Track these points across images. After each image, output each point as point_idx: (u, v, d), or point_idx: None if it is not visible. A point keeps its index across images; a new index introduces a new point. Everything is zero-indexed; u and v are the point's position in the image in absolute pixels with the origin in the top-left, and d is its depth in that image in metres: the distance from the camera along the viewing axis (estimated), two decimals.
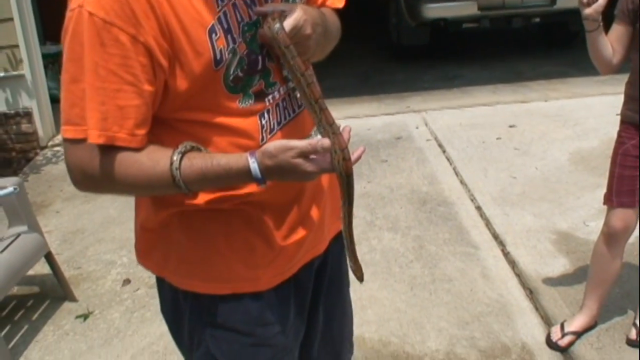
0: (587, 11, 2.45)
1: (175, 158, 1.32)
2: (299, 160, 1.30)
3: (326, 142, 1.32)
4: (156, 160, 1.33)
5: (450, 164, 4.92)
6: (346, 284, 1.84)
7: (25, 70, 5.69)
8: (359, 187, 4.45)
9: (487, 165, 4.84)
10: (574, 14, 7.46)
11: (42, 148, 5.84)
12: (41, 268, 3.64)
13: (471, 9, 7.15)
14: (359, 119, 5.90)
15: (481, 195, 4.36)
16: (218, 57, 1.34)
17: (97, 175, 1.33)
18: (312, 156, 1.32)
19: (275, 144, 1.31)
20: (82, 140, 1.31)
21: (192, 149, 1.36)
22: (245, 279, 1.52)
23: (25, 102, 5.78)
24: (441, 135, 5.52)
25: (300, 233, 1.56)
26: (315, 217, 1.59)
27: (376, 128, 5.77)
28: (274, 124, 1.45)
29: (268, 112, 1.44)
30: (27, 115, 5.77)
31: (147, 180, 1.34)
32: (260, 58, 1.42)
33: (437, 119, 5.92)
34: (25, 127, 5.79)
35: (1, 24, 5.56)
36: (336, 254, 1.73)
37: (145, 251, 1.60)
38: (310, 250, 1.62)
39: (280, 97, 1.47)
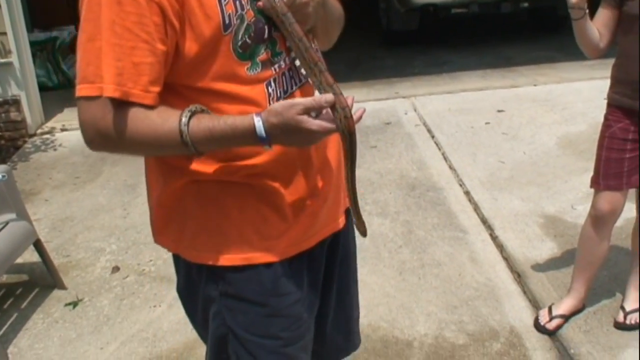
0: (573, 0, 2.44)
1: (184, 116, 1.36)
2: (304, 117, 1.32)
3: (330, 96, 1.35)
4: (166, 117, 1.36)
5: (439, 149, 4.92)
6: (355, 265, 1.87)
7: (13, 58, 5.64)
8: None
9: (476, 150, 4.83)
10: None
11: (31, 136, 5.81)
12: (30, 256, 3.62)
13: None
14: None
15: (470, 180, 4.36)
16: (227, 21, 1.39)
17: (109, 131, 1.36)
18: (316, 119, 1.35)
19: (281, 102, 1.35)
20: (96, 98, 1.34)
21: (202, 111, 1.39)
22: (258, 250, 1.55)
23: (14, 90, 5.74)
24: (430, 120, 5.51)
25: (312, 205, 1.59)
26: (325, 191, 1.62)
27: (365, 114, 5.70)
28: (280, 92, 1.49)
29: (274, 80, 1.48)
30: (16, 103, 5.74)
31: (156, 137, 1.36)
32: (266, 27, 1.46)
33: (426, 105, 5.91)
34: (13, 115, 5.75)
35: None
36: (347, 233, 1.76)
37: (161, 227, 1.62)
38: (327, 225, 1.65)
39: (286, 66, 1.51)
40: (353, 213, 1.59)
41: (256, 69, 1.45)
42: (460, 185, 4.31)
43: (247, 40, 1.42)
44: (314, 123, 1.33)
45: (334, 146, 1.65)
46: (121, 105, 1.34)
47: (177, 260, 1.65)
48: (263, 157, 1.47)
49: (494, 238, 3.66)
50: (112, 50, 1.32)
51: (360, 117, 1.41)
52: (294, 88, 1.52)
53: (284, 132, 1.34)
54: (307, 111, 1.33)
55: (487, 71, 6.79)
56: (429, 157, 4.79)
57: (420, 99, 6.07)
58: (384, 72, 7.04)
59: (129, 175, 4.79)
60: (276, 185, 1.53)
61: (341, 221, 1.70)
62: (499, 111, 5.61)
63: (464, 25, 8.74)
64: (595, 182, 2.76)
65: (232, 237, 1.54)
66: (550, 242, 3.60)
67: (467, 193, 4.19)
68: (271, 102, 1.47)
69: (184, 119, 1.35)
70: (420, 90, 6.34)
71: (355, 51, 7.88)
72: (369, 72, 7.06)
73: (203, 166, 1.47)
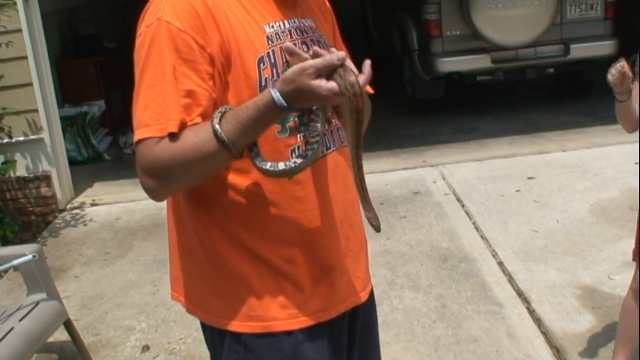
0: (619, 89, 2.43)
1: (215, 117, 1.42)
2: (315, 82, 1.36)
3: (341, 54, 1.38)
4: (198, 128, 1.44)
5: (470, 219, 4.87)
6: (377, 332, 1.89)
7: (44, 134, 5.73)
8: (377, 244, 4.45)
9: (507, 219, 4.78)
10: (588, 64, 7.57)
11: (61, 211, 5.84)
12: (60, 335, 3.59)
13: (485, 62, 7.20)
14: (376, 175, 5.87)
15: (503, 250, 4.30)
16: (263, 83, 1.49)
17: (166, 163, 1.43)
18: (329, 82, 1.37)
19: (292, 68, 1.39)
20: (155, 138, 1.43)
21: (232, 109, 1.45)
22: (278, 318, 1.59)
23: (45, 165, 5.81)
24: (459, 189, 5.48)
25: (330, 277, 1.63)
26: (345, 263, 1.66)
27: (393, 183, 5.74)
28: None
29: (298, 148, 1.55)
30: (46, 178, 5.80)
31: (196, 148, 1.42)
32: None
33: (455, 173, 5.90)
34: (44, 190, 5.80)
35: (21, 89, 5.61)
36: (368, 304, 1.78)
37: (176, 284, 1.71)
38: (348, 299, 1.68)
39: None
40: (363, 206, 1.56)
41: (285, 134, 1.54)
42: (494, 256, 4.25)
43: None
44: (325, 88, 1.36)
45: (356, 223, 1.71)
46: (172, 136, 1.43)
47: (204, 326, 1.70)
48: (276, 225, 1.55)
49: (531, 312, 3.58)
50: (176, 91, 1.43)
51: (367, 79, 1.42)
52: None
53: (301, 97, 1.38)
54: (319, 73, 1.36)
55: (515, 137, 6.77)
56: (459, 227, 4.75)
57: (448, 167, 6.06)
58: (411, 140, 7.06)
59: (158, 249, 4.78)
60: (291, 255, 1.58)
61: (363, 295, 1.73)
62: (529, 178, 5.57)
63: (489, 91, 8.77)
64: (637, 255, 2.70)
65: (252, 304, 1.58)
66: (588, 314, 3.51)
67: (500, 264, 4.13)
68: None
69: (215, 119, 1.41)
70: (448, 158, 6.34)
71: (381, 119, 7.90)
72: (395, 140, 7.08)
73: (219, 225, 1.56)
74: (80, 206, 5.90)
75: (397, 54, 8.61)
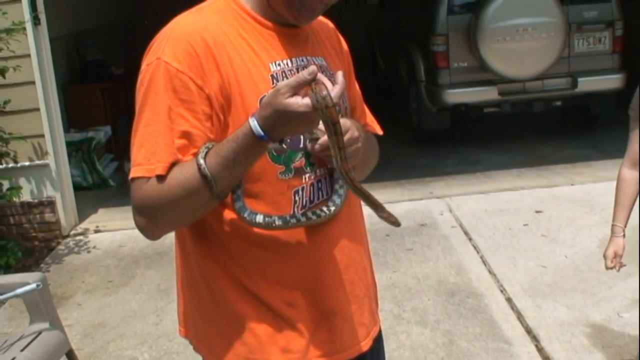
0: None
1: (201, 151, 1.42)
2: (290, 100, 1.33)
3: (312, 68, 1.36)
4: (185, 164, 1.43)
5: (477, 253, 4.84)
6: None
7: (49, 159, 5.71)
8: (384, 277, 4.41)
9: (516, 254, 4.74)
10: (595, 97, 7.57)
11: (65, 237, 5.81)
12: None
13: (492, 94, 7.20)
14: None
15: (511, 285, 4.26)
16: None
17: (153, 202, 1.44)
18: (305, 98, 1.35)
19: (269, 92, 1.38)
20: (145, 178, 1.44)
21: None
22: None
23: (49, 191, 5.79)
24: (466, 221, 5.45)
25: (330, 323, 1.61)
26: (346, 310, 1.63)
27: (400, 214, 5.57)
28: (306, 201, 1.54)
29: (303, 189, 1.54)
30: (51, 204, 5.77)
31: (181, 185, 1.41)
32: (302, 138, 1.53)
33: (462, 205, 5.87)
34: (48, 216, 5.78)
35: (27, 114, 5.61)
36: (374, 351, 1.74)
37: (191, 328, 1.69)
38: (351, 347, 1.65)
39: (316, 177, 1.56)
40: (373, 208, 1.51)
41: (288, 174, 1.52)
42: (502, 292, 4.21)
43: (283, 145, 1.47)
44: (301, 104, 1.34)
45: (362, 268, 1.68)
46: (160, 177, 1.44)
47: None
48: (276, 267, 1.55)
49: (540, 349, 3.53)
50: (170, 132, 1.43)
51: (341, 90, 1.39)
52: (320, 199, 1.57)
53: (279, 121, 1.35)
54: (293, 91, 1.34)
55: (522, 170, 6.75)
56: (467, 261, 4.71)
57: (455, 199, 6.03)
58: (417, 171, 7.04)
59: (162, 278, 4.74)
60: (292, 299, 1.57)
61: (366, 344, 1.69)
62: (536, 212, 5.54)
63: (496, 123, 8.76)
64: None
65: (252, 346, 1.57)
66: (598, 353, 3.45)
67: (509, 300, 4.08)
68: (296, 210, 1.53)
69: (201, 154, 1.41)
70: (455, 190, 6.31)
71: (387, 149, 7.76)
72: (402, 171, 7.06)
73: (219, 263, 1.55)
74: (84, 232, 5.87)
75: (403, 84, 8.62)
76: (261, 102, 1.40)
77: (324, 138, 1.44)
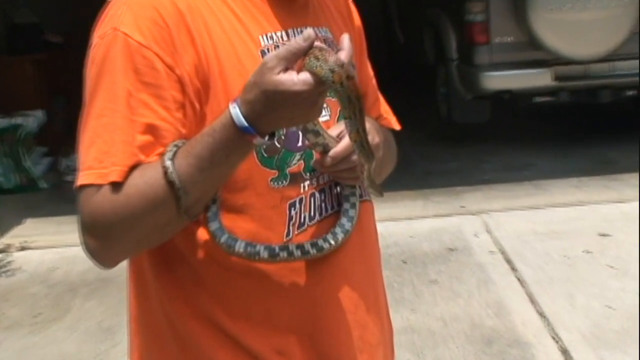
0: None
1: (168, 150, 1.38)
2: (282, 77, 1.29)
3: (306, 32, 1.32)
4: (148, 167, 1.40)
5: (523, 288, 4.83)
6: None
7: None
8: (399, 317, 4.39)
9: (574, 290, 4.72)
10: None
11: None
12: None
13: (545, 79, 7.23)
14: (398, 222, 5.83)
15: (567, 332, 4.25)
16: None
17: (107, 218, 1.41)
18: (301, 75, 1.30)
19: (255, 70, 1.33)
20: (95, 186, 1.41)
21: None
22: None
23: None
24: (509, 246, 5.44)
25: None
26: None
27: (421, 235, 5.70)
28: (305, 217, 1.53)
29: (300, 201, 1.52)
30: None
31: (140, 194, 1.39)
32: (300, 134, 1.50)
33: (503, 224, 5.86)
34: None
35: None
36: None
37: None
38: None
39: (318, 185, 1.55)
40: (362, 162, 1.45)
41: (282, 182, 1.50)
42: (555, 340, 4.19)
43: (276, 142, 1.45)
44: (297, 81, 1.29)
45: (376, 306, 1.67)
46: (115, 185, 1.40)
47: None
48: (266, 304, 1.53)
49: None
50: (130, 126, 1.40)
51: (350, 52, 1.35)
52: (323, 215, 1.56)
53: (269, 107, 1.31)
54: (284, 64, 1.30)
55: (583, 179, 6.76)
56: (509, 299, 4.70)
57: (494, 216, 6.03)
58: (445, 178, 7.04)
59: (106, 313, 4.71)
60: (284, 346, 1.55)
61: None
62: (601, 235, 5.54)
63: (550, 117, 8.75)
64: None
65: None
66: None
67: (564, 351, 4.07)
68: (291, 229, 1.51)
69: (168, 153, 1.37)
70: (495, 204, 6.31)
71: (406, 149, 7.81)
72: (425, 177, 7.07)
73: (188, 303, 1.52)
74: (5, 249, 5.84)
75: (428, 63, 8.68)
76: (245, 84, 1.36)
77: (341, 147, 1.42)
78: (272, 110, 1.31)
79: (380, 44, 9.67)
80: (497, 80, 7.29)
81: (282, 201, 1.50)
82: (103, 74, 1.43)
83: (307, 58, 1.30)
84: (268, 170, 1.48)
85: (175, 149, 1.39)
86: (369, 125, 1.46)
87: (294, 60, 1.31)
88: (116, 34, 1.43)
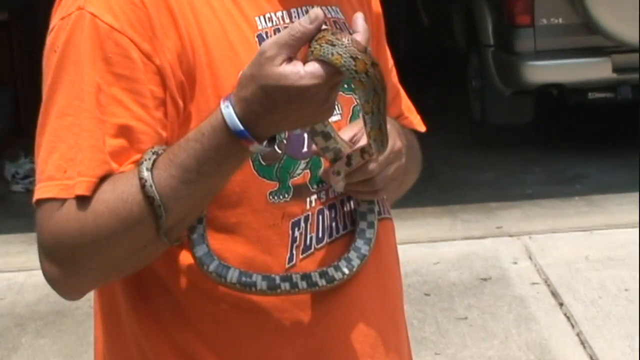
0: None
1: (145, 159, 1.37)
2: (286, 69, 1.28)
3: (313, 12, 1.31)
4: (120, 178, 1.39)
5: (573, 327, 4.85)
6: None
7: None
8: None
9: (634, 331, 4.73)
10: None
11: None
12: None
13: (602, 71, 7.25)
14: (420, 245, 5.84)
15: None
16: None
17: (71, 239, 1.40)
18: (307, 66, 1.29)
19: (252, 61, 1.33)
20: (58, 200, 1.40)
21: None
22: None
23: None
24: (555, 275, 5.46)
25: None
26: None
27: (448, 261, 5.72)
28: (312, 238, 1.53)
29: (306, 219, 1.52)
30: None
31: (111, 211, 1.38)
32: (305, 137, 1.51)
33: (549, 249, 5.88)
34: None
35: None
36: None
37: None
38: None
39: (327, 200, 1.55)
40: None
41: (284, 196, 1.50)
42: None
43: (276, 148, 1.44)
44: (304, 74, 1.28)
45: (397, 346, 1.68)
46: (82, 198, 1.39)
47: None
48: (263, 346, 1.53)
49: None
50: (100, 127, 1.39)
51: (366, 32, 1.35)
52: (334, 236, 1.55)
53: (268, 107, 1.31)
54: (287, 52, 1.29)
55: None
56: (555, 340, 4.72)
57: (538, 239, 6.04)
58: (477, 191, 7.08)
59: (60, 353, 4.73)
60: None
61: None
62: None
63: (608, 117, 8.76)
64: None
65: None
66: None
67: None
68: (294, 253, 1.51)
69: (145, 162, 1.37)
70: (538, 224, 6.33)
71: (431, 155, 7.82)
72: (452, 190, 7.11)
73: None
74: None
75: (458, 50, 8.72)
76: (240, 77, 1.36)
77: (369, 166, 1.43)
78: (272, 109, 1.31)
79: (400, 26, 9.72)
80: (543, 71, 7.33)
81: (283, 219, 1.51)
82: (66, 64, 1.42)
83: (316, 44, 1.29)
84: (266, 181, 1.49)
85: (154, 156, 1.38)
86: (389, 126, 1.45)
87: (298, 47, 1.30)
88: (82, 15, 1.41)
